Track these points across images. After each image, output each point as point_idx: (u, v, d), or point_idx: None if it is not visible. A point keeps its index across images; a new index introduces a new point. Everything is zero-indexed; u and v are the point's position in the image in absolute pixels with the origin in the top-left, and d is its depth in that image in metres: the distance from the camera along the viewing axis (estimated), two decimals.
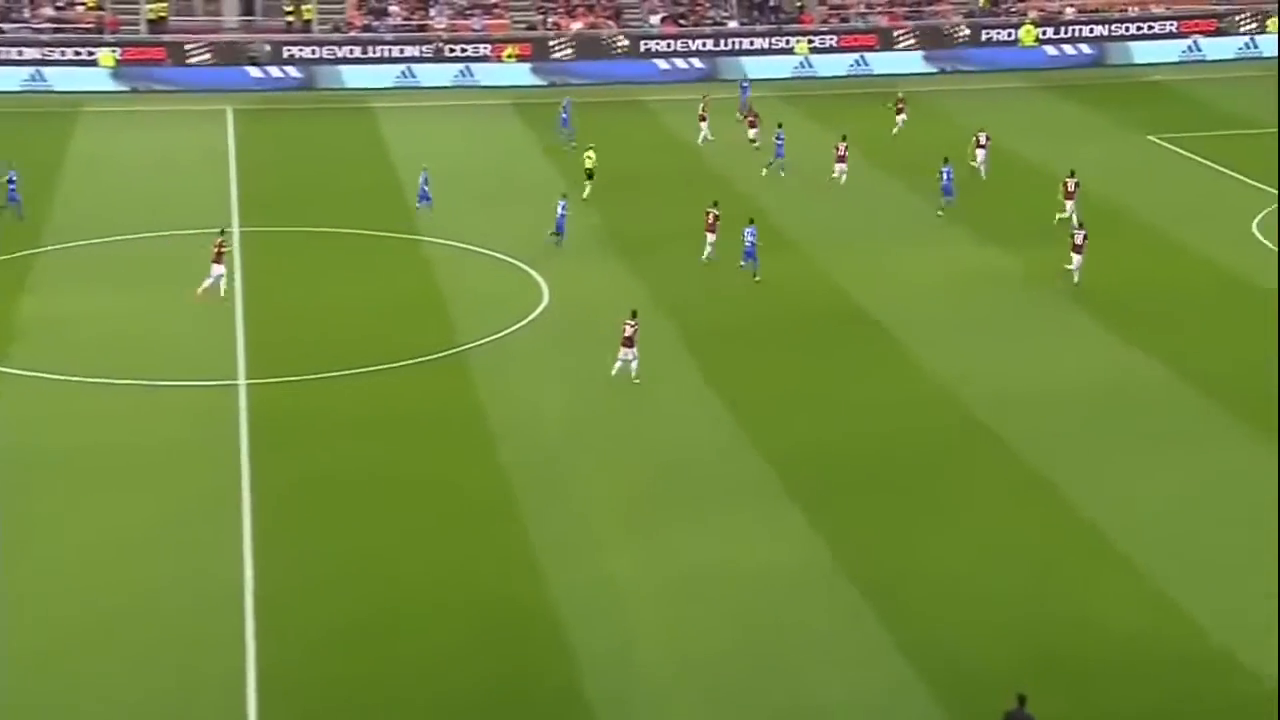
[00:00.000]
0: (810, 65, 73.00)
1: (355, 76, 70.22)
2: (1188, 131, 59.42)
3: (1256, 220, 47.90)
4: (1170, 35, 75.90)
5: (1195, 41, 75.23)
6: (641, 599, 26.93)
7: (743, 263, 43.08)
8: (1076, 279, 42.56)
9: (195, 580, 27.52)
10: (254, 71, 69.21)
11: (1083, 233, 43.45)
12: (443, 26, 74.68)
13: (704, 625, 26.19)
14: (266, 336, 38.70)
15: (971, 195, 50.92)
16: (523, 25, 75.53)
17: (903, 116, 59.38)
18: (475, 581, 27.64)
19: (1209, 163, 55.01)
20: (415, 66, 70.81)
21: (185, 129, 60.98)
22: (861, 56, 73.52)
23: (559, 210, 46.67)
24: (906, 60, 73.28)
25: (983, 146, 53.29)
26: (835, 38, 74.99)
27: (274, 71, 69.51)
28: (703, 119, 58.85)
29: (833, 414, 34.44)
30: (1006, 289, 42.41)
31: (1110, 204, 50.02)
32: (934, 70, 72.74)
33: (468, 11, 75.76)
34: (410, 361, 37.37)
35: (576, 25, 74.89)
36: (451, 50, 72.11)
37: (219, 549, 28.46)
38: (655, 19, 76.00)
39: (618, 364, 36.07)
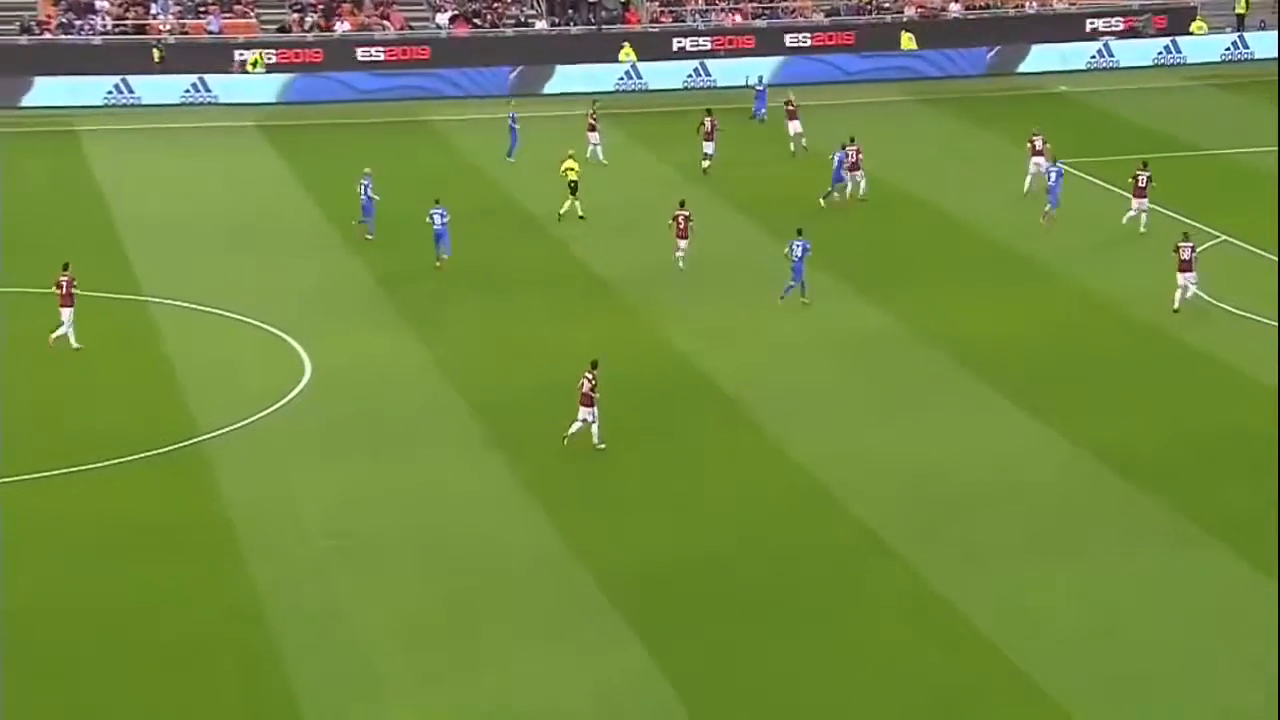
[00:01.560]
0: (638, 75, 73.99)
1: (52, 91, 69.07)
2: (1099, 154, 61.38)
3: None
4: (1076, 37, 78.74)
5: (1106, 45, 78.13)
6: None
7: (791, 283, 45.28)
8: (1177, 305, 44.38)
9: None
10: None
11: (1190, 245, 44.91)
12: (168, 28, 73.95)
13: None
14: None
15: (840, 231, 51.91)
16: (273, 26, 75.26)
17: (795, 123, 61.20)
18: None
19: (1126, 193, 56.84)
20: (133, 79, 70.01)
21: None
22: (701, 64, 74.76)
23: (435, 221, 48.47)
24: (757, 68, 74.64)
25: (856, 167, 55.02)
26: (668, 41, 76.19)
27: None
28: (591, 129, 60.20)
29: (676, 515, 34.49)
30: (883, 351, 43.23)
31: (1007, 249, 51.38)
32: (788, 81, 74.19)
33: (201, 9, 75.16)
34: (135, 457, 36.69)
35: (342, 27, 74.88)
36: (180, 58, 71.47)
37: None
38: (443, 18, 76.36)
39: (575, 425, 36.57)
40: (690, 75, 74.24)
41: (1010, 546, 33.06)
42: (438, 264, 49.60)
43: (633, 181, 57.57)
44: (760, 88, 66.87)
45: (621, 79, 73.65)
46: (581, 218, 53.36)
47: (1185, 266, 45.06)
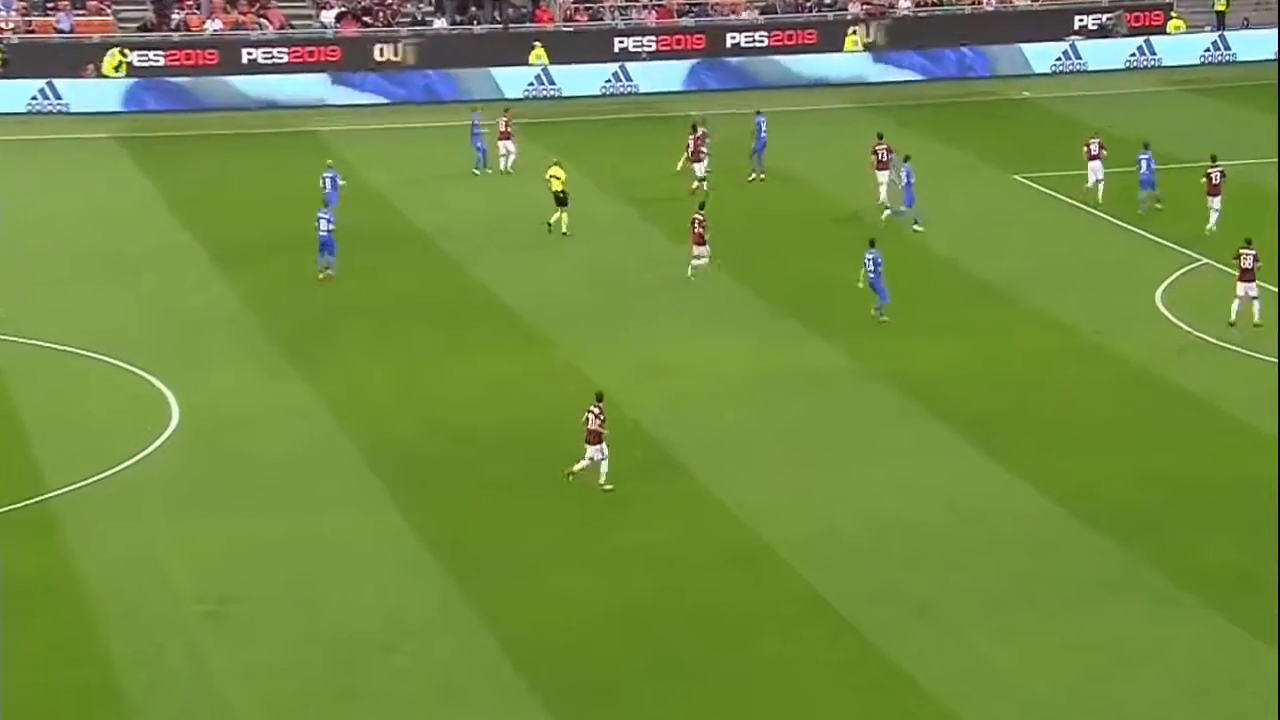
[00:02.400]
0: (550, 80, 74.22)
1: None
2: (1067, 169, 62.05)
3: (1161, 289, 50.25)
4: (1041, 37, 79.57)
5: (1073, 46, 79.04)
6: None
7: (877, 307, 46.88)
8: (1258, 318, 45.27)
9: None
10: None
11: (1252, 253, 45.83)
12: (11, 26, 73.55)
13: None
14: None
15: (777, 257, 52.17)
16: (133, 25, 75.05)
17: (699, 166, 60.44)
18: None
19: (1097, 212, 57.58)
20: None
21: None
22: (622, 68, 75.08)
23: (322, 227, 49.32)
24: (680, 72, 75.11)
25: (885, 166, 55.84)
26: (584, 42, 76.47)
27: None
28: (505, 136, 60.50)
29: (591, 570, 34.47)
30: (829, 388, 43.47)
31: (966, 272, 51.82)
32: (717, 86, 74.67)
33: (50, 5, 74.82)
34: None
35: (214, 25, 74.73)
36: (25, 60, 71.08)
37: None
38: (328, 16, 76.37)
39: (581, 463, 37.00)
40: (610, 80, 74.53)
41: (970, 606, 33.21)
42: (321, 275, 49.81)
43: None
44: (760, 118, 62.04)
45: (532, 84, 73.85)
46: (565, 234, 53.79)
47: (1246, 275, 45.96)
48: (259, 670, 31.20)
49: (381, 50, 74.34)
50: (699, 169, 58.41)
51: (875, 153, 56.80)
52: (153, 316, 48.14)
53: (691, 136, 58.91)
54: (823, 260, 52.23)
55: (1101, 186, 56.77)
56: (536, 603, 33.42)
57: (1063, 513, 36.77)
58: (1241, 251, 46.42)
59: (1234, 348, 45.39)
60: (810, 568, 34.56)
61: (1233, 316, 46.13)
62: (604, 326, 47.38)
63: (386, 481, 38.32)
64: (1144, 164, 56.02)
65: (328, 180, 54.36)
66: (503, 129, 61.16)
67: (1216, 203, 53.34)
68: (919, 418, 41.61)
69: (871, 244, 47.61)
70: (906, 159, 55.10)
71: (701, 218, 50.23)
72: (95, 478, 38.38)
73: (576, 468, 37.46)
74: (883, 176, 56.53)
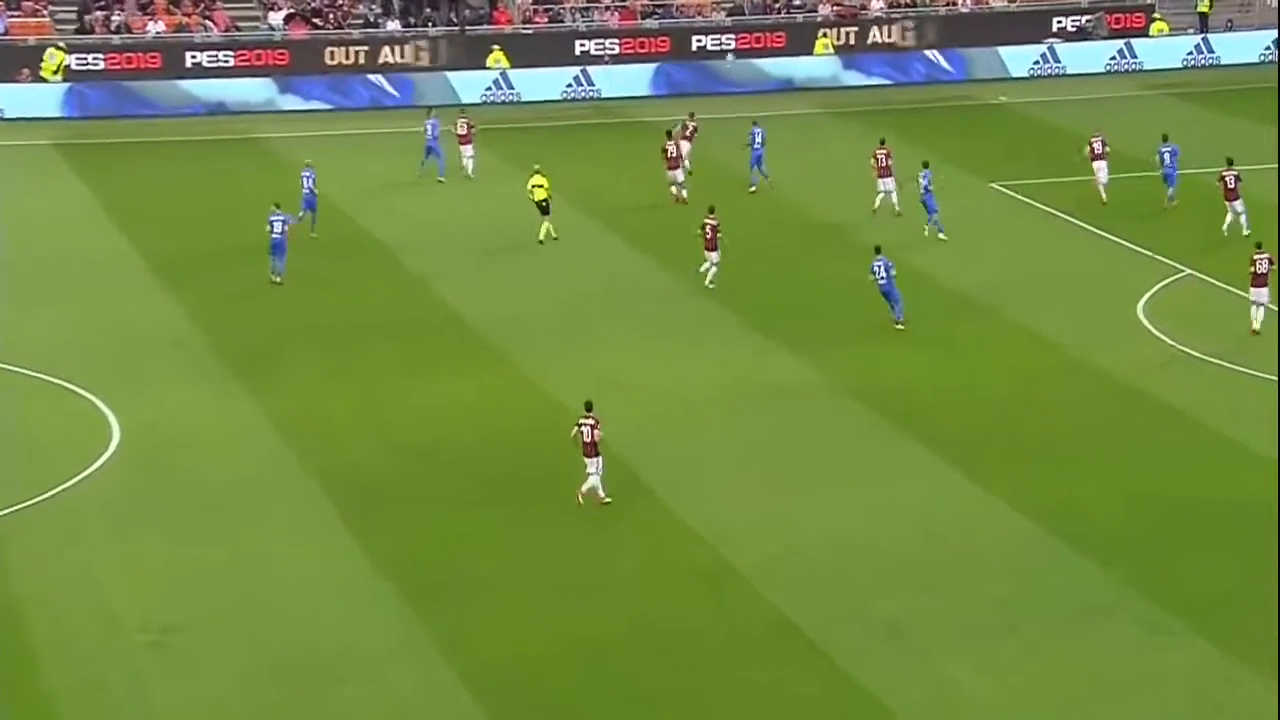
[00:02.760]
0: (509, 84, 74.22)
1: None
2: (1046, 176, 62.27)
3: (1143, 301, 50.42)
4: (1018, 40, 79.83)
5: (1052, 49, 79.31)
6: None
7: (897, 320, 47.31)
8: (1257, 325, 45.90)
9: None
10: None
11: (1265, 257, 46.22)
12: None
13: None
14: None
15: (745, 267, 52.31)
16: (70, 27, 74.77)
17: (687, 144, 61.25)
18: None
19: (1076, 220, 57.78)
20: None
21: None
22: (584, 71, 75.14)
23: (275, 229, 49.85)
24: (644, 76, 75.19)
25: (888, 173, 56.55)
26: (544, 45, 76.49)
27: None
28: (465, 140, 61.09)
29: (554, 596, 34.39)
30: (799, 404, 43.50)
31: (941, 284, 51.93)
32: (689, 91, 74.73)
33: None
34: None
35: (156, 27, 74.57)
36: None
37: None
38: (276, 18, 76.23)
39: (588, 482, 37.38)
40: (571, 84, 74.57)
41: (947, 632, 33.24)
42: (274, 280, 49.93)
43: (505, 208, 57.65)
44: (757, 132, 61.30)
45: (490, 89, 73.84)
46: (555, 238, 54.23)
47: (1259, 281, 46.51)
48: (204, 703, 31.06)
49: (332, 53, 74.29)
50: (676, 175, 58.47)
51: (876, 158, 56.95)
52: (92, 331, 48.00)
53: (669, 141, 58.93)
54: (792, 271, 52.28)
55: (1104, 190, 57.43)
56: (496, 630, 33.35)
57: (1043, 533, 36.83)
58: (1255, 256, 46.82)
59: (1219, 361, 45.55)
60: (779, 592, 34.55)
61: (1256, 325, 46.50)
62: (567, 342, 47.36)
63: (340, 504, 38.23)
64: (1167, 156, 57.20)
65: (306, 179, 54.89)
66: (462, 133, 61.19)
67: (1239, 205, 53.97)
68: (893, 435, 41.67)
69: (877, 251, 47.88)
70: (925, 165, 55.34)
71: (715, 222, 50.57)
72: (33, 500, 38.19)
73: (585, 488, 37.55)
74: (885, 185, 56.67)
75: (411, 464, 40.08)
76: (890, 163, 56.77)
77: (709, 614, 33.92)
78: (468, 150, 61.26)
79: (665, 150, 58.86)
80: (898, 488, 39.07)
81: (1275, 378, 43.90)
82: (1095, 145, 58.67)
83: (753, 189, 60.01)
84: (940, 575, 35.28)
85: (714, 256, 50.63)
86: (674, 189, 58.43)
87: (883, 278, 47.46)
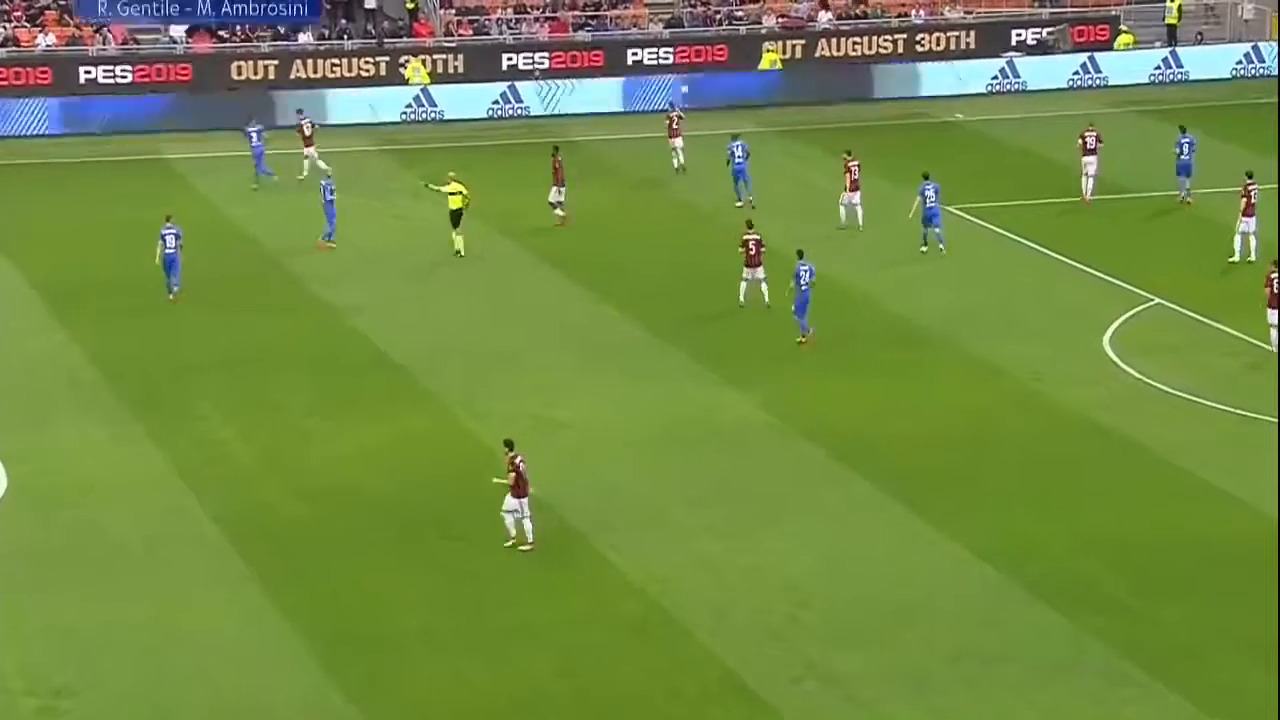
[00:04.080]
0: (431, 101, 74.25)
1: None
2: (1004, 199, 62.59)
3: (1109, 332, 50.74)
4: (976, 54, 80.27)
5: (1011, 63, 79.73)
6: None
7: (804, 333, 48.48)
8: (1275, 345, 46.65)
9: None
10: None
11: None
12: None
13: None
14: None
15: (680, 299, 52.42)
16: None
17: (678, 141, 64.55)
18: None
19: (1037, 245, 58.06)
20: None
21: None
22: (511, 87, 75.21)
23: (168, 244, 50.84)
24: (592, 93, 75.15)
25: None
26: (465, 60, 76.54)
27: None
28: (308, 143, 62.62)
29: (473, 653, 34.39)
30: (743, 444, 43.59)
31: (892, 312, 52.14)
32: (623, 109, 74.90)
33: None
34: None
35: (45, 40, 74.31)
36: None
37: None
38: (178, 30, 76.04)
39: (520, 528, 37.60)
40: (497, 101, 74.63)
41: (899, 685, 33.33)
42: (171, 297, 50.86)
43: (426, 233, 57.67)
44: (737, 147, 61.69)
45: (410, 105, 73.86)
46: (458, 253, 54.94)
47: (1276, 301, 47.20)
48: None
49: (240, 68, 74.17)
50: (556, 194, 58.87)
51: (849, 170, 57.33)
52: None
53: (554, 158, 59.49)
54: (733, 299, 52.35)
55: (1092, 184, 58.14)
56: (417, 688, 33.31)
57: (1000, 578, 37.00)
58: (1271, 275, 47.41)
59: (1188, 396, 45.87)
60: (722, 644, 34.61)
61: (1273, 344, 47.30)
62: (492, 377, 47.35)
63: (248, 557, 38.11)
64: (1185, 148, 58.41)
65: (325, 189, 56.34)
66: (308, 133, 63.06)
67: (1252, 224, 54.30)
68: (840, 474, 41.82)
69: (801, 255, 48.14)
70: (926, 176, 55.78)
71: (757, 237, 51.08)
72: None
73: (515, 532, 37.75)
74: (851, 199, 57.16)
75: (324, 512, 39.99)
76: (858, 175, 57.34)
77: (648, 669, 33.96)
78: (309, 152, 62.35)
79: (556, 167, 59.24)
80: (848, 530, 39.22)
81: (1244, 413, 44.37)
82: (1088, 139, 59.25)
83: (739, 204, 60.26)
84: (892, 625, 35.39)
85: (759, 273, 50.93)
86: (556, 210, 59.00)
87: (805, 284, 47.82)
